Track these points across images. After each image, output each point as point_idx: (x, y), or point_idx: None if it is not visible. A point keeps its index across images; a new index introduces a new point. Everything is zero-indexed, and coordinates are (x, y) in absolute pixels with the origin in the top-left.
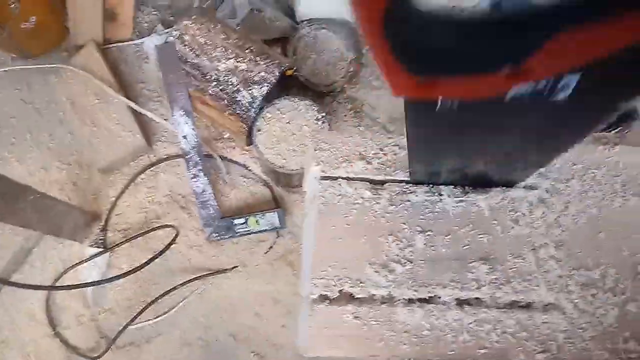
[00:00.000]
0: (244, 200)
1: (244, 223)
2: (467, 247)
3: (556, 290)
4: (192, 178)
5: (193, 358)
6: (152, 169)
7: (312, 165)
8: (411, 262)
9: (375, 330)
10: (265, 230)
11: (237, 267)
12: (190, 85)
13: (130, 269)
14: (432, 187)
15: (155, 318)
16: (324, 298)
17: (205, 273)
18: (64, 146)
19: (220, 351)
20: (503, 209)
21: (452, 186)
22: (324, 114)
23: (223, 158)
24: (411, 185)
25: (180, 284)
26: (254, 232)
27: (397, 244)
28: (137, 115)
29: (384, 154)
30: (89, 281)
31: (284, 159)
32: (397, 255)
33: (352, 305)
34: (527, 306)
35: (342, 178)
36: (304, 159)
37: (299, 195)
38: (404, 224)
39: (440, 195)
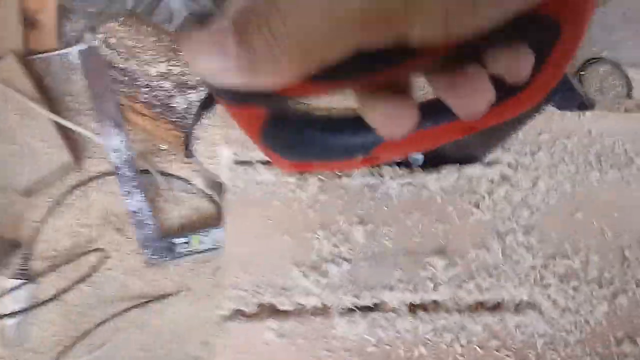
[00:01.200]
0: (188, 217)
1: (186, 242)
2: (417, 239)
3: (529, 285)
4: (125, 196)
5: None
6: (81, 188)
7: (223, 148)
8: (349, 262)
9: (306, 351)
10: (210, 250)
11: (181, 291)
12: (120, 92)
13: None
14: (372, 168)
15: (89, 354)
16: (238, 314)
17: (144, 300)
18: None
19: None
20: (459, 191)
21: (396, 166)
22: None
23: (162, 173)
24: None
25: (117, 314)
26: (198, 252)
27: (330, 240)
28: (64, 131)
29: None
30: (10, 314)
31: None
32: (331, 254)
33: (275, 320)
34: (496, 307)
35: (260, 162)
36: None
37: None
38: (339, 215)
39: (382, 177)
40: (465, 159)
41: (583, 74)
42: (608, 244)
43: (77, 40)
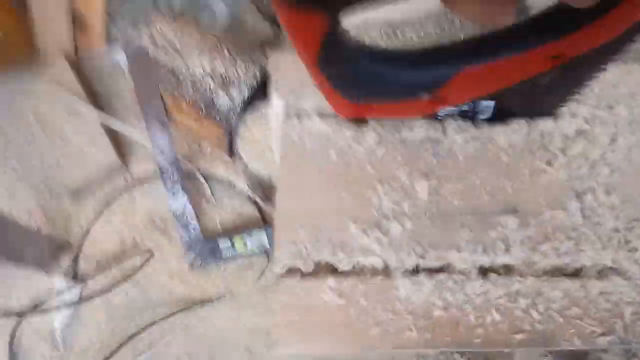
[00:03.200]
0: (230, 220)
1: (230, 245)
2: (485, 197)
3: (613, 249)
4: (170, 197)
5: None
6: (128, 190)
7: (274, 98)
8: (411, 220)
9: (367, 312)
10: (254, 253)
11: (224, 296)
12: (165, 92)
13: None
14: (435, 120)
15: (134, 358)
16: (294, 272)
17: (189, 305)
18: (32, 170)
19: None
20: (530, 147)
21: (460, 119)
22: None
23: (205, 175)
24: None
25: (161, 318)
26: (243, 256)
27: (390, 196)
28: (112, 132)
29: None
30: (59, 315)
31: (270, 168)
32: (393, 211)
33: (334, 279)
34: (576, 273)
35: (315, 113)
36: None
37: None
38: (399, 169)
39: (445, 131)
40: (536, 112)
41: None
42: None
43: (124, 42)
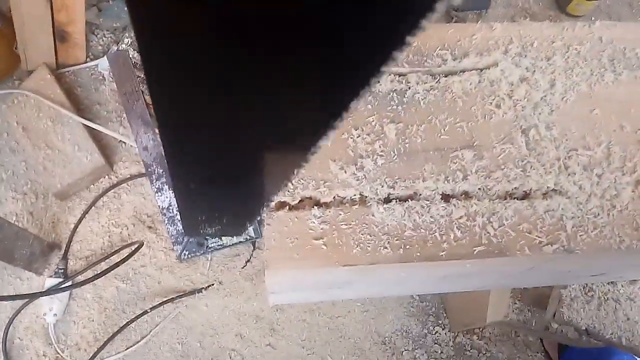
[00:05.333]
0: None
1: (216, 237)
2: (445, 136)
3: (555, 174)
4: (156, 192)
5: None
6: (114, 190)
7: None
8: (383, 157)
9: (348, 235)
10: (240, 243)
11: (212, 285)
12: (147, 92)
13: (95, 299)
14: (399, 75)
15: (126, 349)
16: (284, 205)
17: (178, 294)
18: (17, 176)
19: None
20: (482, 93)
21: (420, 72)
22: None
23: None
24: None
25: (151, 308)
26: (228, 246)
27: (364, 139)
28: (95, 136)
29: None
30: (51, 314)
31: None
32: (366, 151)
33: (317, 209)
34: (525, 196)
35: None
36: None
37: None
38: (370, 116)
39: (408, 83)
40: None
41: None
42: (628, 136)
43: (104, 53)
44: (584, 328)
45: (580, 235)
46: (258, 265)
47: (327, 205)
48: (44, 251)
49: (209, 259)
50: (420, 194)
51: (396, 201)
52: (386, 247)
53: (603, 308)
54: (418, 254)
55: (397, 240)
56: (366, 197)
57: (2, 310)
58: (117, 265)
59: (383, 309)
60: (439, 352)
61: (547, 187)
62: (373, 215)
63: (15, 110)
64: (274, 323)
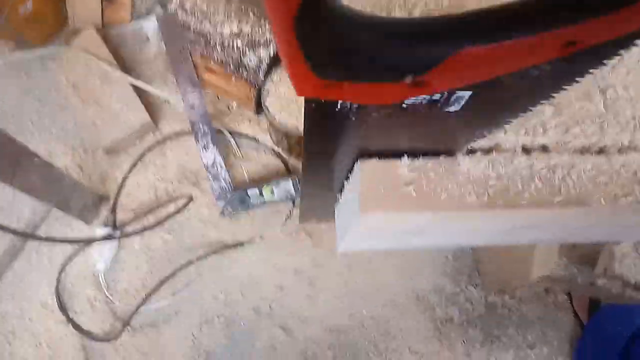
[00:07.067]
0: (257, 172)
1: (258, 194)
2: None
3: (630, 132)
4: (202, 149)
5: (214, 335)
6: (159, 146)
7: None
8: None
9: (435, 183)
10: (281, 200)
11: (254, 240)
12: (195, 53)
13: (143, 250)
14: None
15: (172, 296)
16: (371, 154)
17: (221, 248)
18: (67, 131)
19: (244, 327)
20: None
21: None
22: None
23: (231, 131)
24: None
25: (196, 259)
26: (270, 203)
27: None
28: (141, 94)
29: None
30: (101, 262)
31: (296, 120)
32: None
33: (407, 159)
34: (601, 151)
35: None
36: None
37: None
38: None
39: None
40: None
41: None
42: None
43: (149, 13)
44: (633, 282)
45: None
46: (297, 222)
47: (414, 155)
48: (95, 202)
49: (251, 215)
50: (502, 146)
51: (481, 152)
52: (471, 194)
53: None
54: (501, 201)
55: (481, 188)
56: (452, 148)
57: (54, 257)
58: (166, 218)
59: (418, 268)
60: (471, 310)
61: (622, 144)
62: (459, 165)
63: (64, 68)
64: (313, 277)
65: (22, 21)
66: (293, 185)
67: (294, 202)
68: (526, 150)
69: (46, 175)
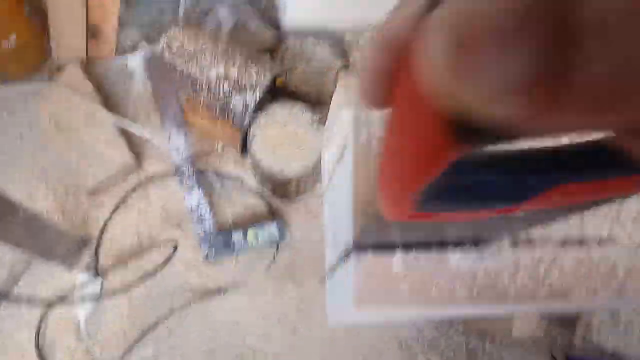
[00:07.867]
0: (240, 214)
1: (242, 238)
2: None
3: (609, 223)
4: (185, 192)
5: None
6: (143, 188)
7: (342, 108)
8: None
9: (427, 278)
10: (264, 245)
11: (238, 285)
12: (181, 95)
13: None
14: None
15: (155, 346)
16: (366, 247)
17: (205, 294)
18: (48, 171)
19: None
20: None
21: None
22: (319, 116)
23: (217, 172)
24: None
25: (179, 308)
26: (254, 248)
27: None
28: (125, 133)
29: None
30: (82, 307)
31: (281, 164)
32: None
33: (401, 255)
34: (581, 242)
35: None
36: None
37: (296, 206)
38: None
39: None
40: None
41: None
42: None
43: (133, 49)
44: (610, 351)
45: (630, 282)
46: (282, 266)
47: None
48: (78, 247)
49: (235, 259)
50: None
51: (469, 248)
52: (461, 289)
53: (630, 332)
54: (489, 294)
55: (470, 282)
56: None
57: (34, 305)
58: (150, 275)
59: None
60: (452, 356)
61: (601, 235)
62: (449, 261)
63: (47, 105)
64: (296, 324)
65: (5, 56)
66: (278, 229)
67: (277, 246)
68: (514, 242)
69: (32, 226)
